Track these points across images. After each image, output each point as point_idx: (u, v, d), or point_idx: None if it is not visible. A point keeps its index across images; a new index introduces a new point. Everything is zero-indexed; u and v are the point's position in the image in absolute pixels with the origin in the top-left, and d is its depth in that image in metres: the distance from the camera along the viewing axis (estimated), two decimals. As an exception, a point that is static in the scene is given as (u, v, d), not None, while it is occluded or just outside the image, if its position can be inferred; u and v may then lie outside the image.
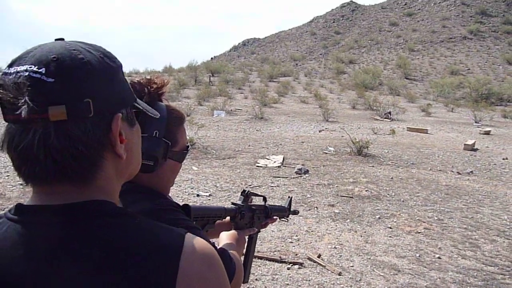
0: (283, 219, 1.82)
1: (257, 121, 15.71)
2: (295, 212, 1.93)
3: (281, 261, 4.09)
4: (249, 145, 10.49)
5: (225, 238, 1.31)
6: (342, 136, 12.07)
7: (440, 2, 72.35)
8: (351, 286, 3.72)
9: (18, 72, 0.59)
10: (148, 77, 1.06)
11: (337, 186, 6.94)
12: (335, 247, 4.51)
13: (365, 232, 5.00)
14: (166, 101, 1.09)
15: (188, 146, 1.16)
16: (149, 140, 0.98)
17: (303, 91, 29.73)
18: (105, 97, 0.63)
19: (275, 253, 4.28)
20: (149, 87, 1.03)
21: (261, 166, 8.20)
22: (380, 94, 28.09)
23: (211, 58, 77.55)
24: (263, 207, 1.57)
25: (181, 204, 1.11)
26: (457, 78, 35.63)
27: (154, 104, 1.01)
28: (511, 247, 4.74)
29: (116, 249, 0.60)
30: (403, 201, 6.31)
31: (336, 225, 5.18)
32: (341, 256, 4.30)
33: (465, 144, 11.46)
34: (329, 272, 3.93)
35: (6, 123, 0.61)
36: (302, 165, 8.20)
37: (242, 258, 1.41)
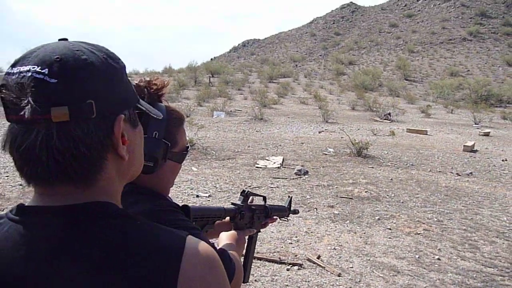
0: (283, 219, 1.82)
1: (256, 122, 15.71)
2: (295, 212, 1.91)
3: (280, 262, 4.09)
4: (249, 146, 10.49)
5: (224, 238, 1.31)
6: (342, 137, 12.07)
7: (440, 4, 72.47)
8: (350, 287, 3.72)
9: (21, 72, 0.59)
10: (148, 78, 1.06)
11: (336, 187, 6.94)
12: (334, 248, 4.50)
13: (364, 233, 5.00)
14: (166, 102, 1.09)
15: (188, 147, 1.16)
16: (149, 141, 0.98)
17: (303, 92, 29.75)
18: (108, 98, 0.63)
19: (275, 254, 4.28)
20: (148, 88, 1.03)
21: (260, 167, 8.20)
22: (379, 95, 28.12)
23: (211, 59, 77.60)
24: (263, 207, 1.56)
25: (180, 205, 1.11)
26: (457, 80, 35.68)
27: (153, 105, 1.01)
28: (510, 249, 4.74)
29: (116, 249, 0.60)
30: (402, 202, 6.31)
31: (336, 226, 5.18)
32: (340, 257, 4.30)
33: (464, 146, 11.46)
34: (329, 273, 3.93)
35: (9, 123, 0.61)
36: (302, 166, 8.20)
37: (242, 258, 1.41)
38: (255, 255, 1.89)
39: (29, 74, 0.58)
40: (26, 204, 0.64)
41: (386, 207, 6.01)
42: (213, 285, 0.64)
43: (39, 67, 0.58)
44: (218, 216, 1.31)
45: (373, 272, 3.99)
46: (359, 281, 3.80)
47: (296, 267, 4.01)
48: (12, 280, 0.59)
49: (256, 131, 13.61)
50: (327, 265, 4.07)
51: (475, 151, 11.30)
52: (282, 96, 26.42)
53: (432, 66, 46.67)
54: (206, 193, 6.28)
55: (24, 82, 0.57)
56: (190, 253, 0.63)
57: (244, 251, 1.47)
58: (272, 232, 4.83)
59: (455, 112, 23.33)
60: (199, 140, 9.88)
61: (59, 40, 0.66)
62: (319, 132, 13.88)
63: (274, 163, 8.52)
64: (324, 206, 5.96)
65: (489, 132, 15.36)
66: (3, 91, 0.59)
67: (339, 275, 3.88)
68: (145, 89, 1.03)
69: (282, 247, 4.47)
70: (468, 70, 42.85)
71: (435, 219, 5.58)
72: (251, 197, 1.52)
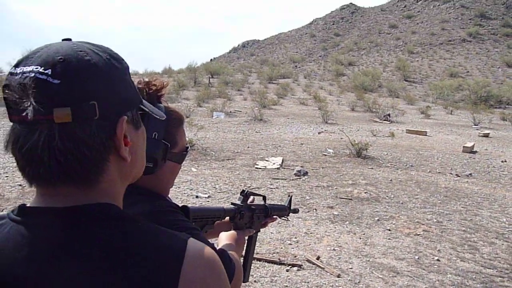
0: (283, 218, 1.81)
1: (256, 122, 15.71)
2: (295, 211, 1.90)
3: (280, 263, 4.08)
4: (248, 147, 10.49)
5: (224, 238, 1.31)
6: (341, 138, 12.08)
7: (439, 5, 72.57)
8: (350, 288, 3.72)
9: (24, 72, 0.58)
10: (147, 79, 1.05)
11: (336, 188, 6.94)
12: (334, 249, 4.50)
13: (364, 234, 4.99)
14: (165, 103, 1.08)
15: (188, 147, 1.16)
16: (148, 142, 0.98)
17: (303, 93, 29.76)
18: (111, 100, 0.62)
19: (274, 255, 4.28)
20: (148, 89, 1.03)
21: (260, 168, 8.20)
22: (379, 96, 28.12)
23: (211, 60, 77.64)
24: (262, 207, 1.55)
25: (180, 205, 1.11)
26: (456, 81, 35.73)
27: (153, 106, 1.01)
28: (509, 250, 4.74)
29: (117, 250, 0.59)
30: (402, 203, 6.31)
31: (335, 227, 5.18)
32: (340, 258, 4.29)
33: (464, 147, 11.47)
34: (328, 274, 3.93)
35: (11, 123, 0.61)
36: (301, 167, 8.20)
37: (242, 258, 1.41)
38: (254, 255, 1.88)
39: (32, 74, 0.58)
40: (28, 205, 0.64)
41: (386, 208, 6.01)
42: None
43: (42, 68, 0.58)
44: (218, 216, 1.31)
45: (372, 273, 3.99)
46: (359, 282, 3.80)
47: (295, 268, 4.01)
48: (14, 281, 0.59)
49: (256, 131, 13.61)
50: (326, 266, 4.07)
51: (474, 152, 11.31)
52: (282, 97, 26.42)
53: (431, 67, 46.73)
54: (205, 193, 6.28)
55: (26, 82, 0.57)
56: (192, 255, 0.62)
57: (244, 250, 1.47)
58: (271, 233, 4.82)
59: (454, 113, 23.35)
60: (199, 140, 9.88)
61: (63, 40, 0.65)
62: (319, 133, 13.89)
63: (274, 164, 8.52)
64: (324, 207, 5.96)
65: (488, 133, 15.38)
66: (6, 91, 0.59)
67: (338, 276, 3.88)
68: (144, 90, 1.03)
69: (281, 248, 4.47)
70: (468, 71, 42.90)
71: (435, 220, 5.58)
72: (252, 197, 1.51)
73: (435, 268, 4.16)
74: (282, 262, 4.10)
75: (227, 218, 1.38)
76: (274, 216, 1.65)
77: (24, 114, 0.57)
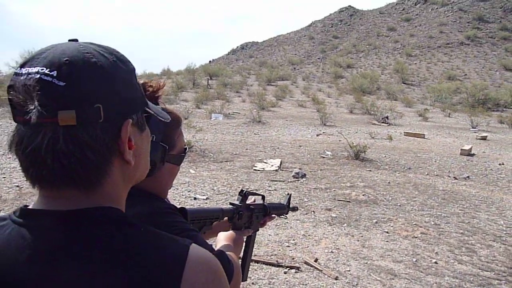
0: (282, 216, 1.80)
1: (254, 124, 15.72)
2: (294, 209, 1.88)
3: (278, 265, 4.08)
4: (247, 149, 10.48)
5: (222, 239, 1.30)
6: (340, 140, 12.09)
7: (437, 8, 72.84)
8: (347, 290, 3.72)
9: (29, 73, 0.58)
10: (142, 81, 1.05)
11: (334, 190, 6.94)
12: (332, 252, 4.50)
13: (362, 236, 5.00)
14: (163, 104, 1.08)
15: (186, 149, 1.16)
16: None
17: (301, 95, 29.82)
18: (116, 103, 0.62)
19: (272, 257, 4.27)
20: (144, 91, 1.03)
21: (258, 170, 8.20)
22: (377, 99, 28.19)
23: (210, 61, 77.67)
24: (261, 206, 1.54)
25: (178, 207, 1.11)
26: (454, 84, 35.84)
27: None
28: (507, 252, 4.74)
29: (117, 252, 0.59)
30: (400, 205, 6.31)
31: (333, 229, 5.18)
32: (338, 260, 4.29)
33: (461, 149, 11.49)
34: (326, 276, 3.93)
35: (16, 124, 0.61)
36: (300, 169, 8.20)
37: (240, 258, 1.40)
38: (252, 258, 1.88)
39: (37, 76, 0.57)
40: (30, 207, 0.64)
41: (384, 211, 6.01)
42: None
43: (48, 69, 0.58)
44: (216, 217, 1.31)
45: (370, 275, 3.99)
46: (356, 285, 3.80)
47: (293, 270, 4.00)
48: (15, 282, 0.58)
49: (254, 133, 13.61)
50: (324, 268, 4.07)
51: (472, 155, 11.34)
52: (280, 99, 26.46)
53: (429, 70, 46.86)
54: (203, 195, 6.27)
55: (31, 84, 0.57)
56: (194, 260, 0.62)
57: (243, 249, 1.46)
58: (269, 235, 4.82)
59: (452, 116, 23.40)
60: (197, 142, 9.87)
61: (69, 41, 0.65)
62: (317, 135, 13.90)
63: (272, 166, 8.52)
64: (322, 209, 5.96)
65: (486, 136, 15.41)
66: (11, 92, 0.59)
67: (336, 278, 3.88)
68: None
69: (279, 250, 4.46)
70: (466, 74, 43.05)
71: (432, 223, 5.59)
72: (253, 198, 1.51)
73: (432, 271, 4.16)
74: (280, 264, 4.09)
75: (226, 218, 1.38)
76: (273, 215, 1.65)
77: (28, 117, 0.57)
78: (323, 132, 14.55)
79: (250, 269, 1.63)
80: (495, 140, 15.18)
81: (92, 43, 0.65)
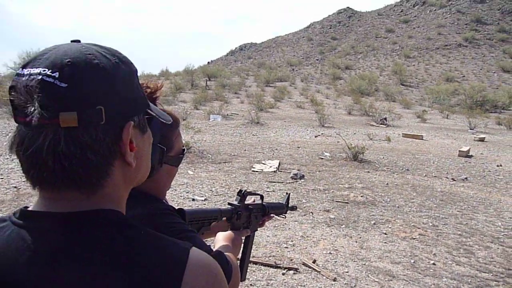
0: (281, 216, 1.79)
1: (253, 125, 15.72)
2: (293, 208, 1.88)
3: (276, 267, 4.08)
4: (245, 150, 10.48)
5: (221, 239, 1.30)
6: (338, 142, 12.10)
7: (435, 10, 73.04)
8: (345, 292, 3.72)
9: (31, 74, 0.58)
10: (140, 82, 1.05)
11: (332, 192, 6.95)
12: (330, 253, 4.50)
13: (360, 237, 5.00)
14: (161, 106, 1.08)
15: (184, 150, 1.16)
16: None
17: (299, 96, 29.84)
18: (118, 104, 0.62)
19: (270, 258, 4.27)
20: None
21: (256, 171, 8.20)
22: (376, 100, 28.24)
23: (208, 62, 77.63)
24: (260, 206, 1.54)
25: (176, 208, 1.11)
26: (452, 85, 35.95)
27: None
28: (505, 254, 4.75)
29: (118, 254, 0.59)
30: (398, 207, 6.32)
31: (331, 231, 5.18)
32: (336, 261, 4.29)
33: (459, 151, 11.52)
34: (324, 277, 3.93)
35: (17, 125, 0.61)
36: (298, 170, 8.20)
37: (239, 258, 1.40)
38: (250, 259, 1.88)
39: (39, 77, 0.57)
40: (30, 209, 0.63)
41: (382, 212, 6.02)
42: None
43: (50, 70, 0.57)
44: (214, 218, 1.30)
45: (368, 276, 3.99)
46: (355, 286, 3.80)
47: (291, 272, 4.00)
48: (14, 283, 0.58)
49: (253, 134, 13.62)
50: (322, 269, 4.07)
51: (470, 157, 11.36)
52: (279, 100, 26.48)
53: (428, 71, 46.96)
54: (202, 196, 6.27)
55: (33, 85, 0.56)
56: (194, 263, 0.62)
57: (242, 248, 1.46)
58: (267, 236, 4.82)
59: (450, 117, 23.46)
60: (196, 143, 9.87)
61: (72, 41, 0.64)
62: (316, 136, 13.91)
63: (270, 167, 8.52)
64: (320, 210, 5.96)
65: (484, 137, 15.45)
66: (12, 93, 0.59)
67: (334, 280, 3.88)
68: None
69: (277, 251, 4.46)
70: (464, 76, 43.15)
71: (431, 224, 5.60)
72: (253, 197, 1.51)
73: (430, 272, 4.17)
74: (278, 265, 4.09)
75: (224, 218, 1.37)
76: (271, 215, 1.64)
77: (29, 118, 0.57)
78: (322, 134, 14.56)
79: (248, 270, 1.62)
80: (493, 141, 15.21)
81: (94, 44, 0.65)
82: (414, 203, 6.55)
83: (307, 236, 4.94)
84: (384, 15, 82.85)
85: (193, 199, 6.10)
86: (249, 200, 1.50)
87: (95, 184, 0.62)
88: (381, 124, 18.62)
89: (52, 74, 0.57)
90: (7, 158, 7.31)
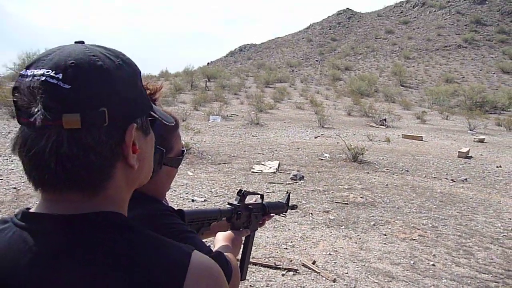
0: (281, 215, 1.79)
1: (252, 126, 15.72)
2: (294, 207, 1.87)
3: (275, 268, 4.07)
4: (245, 151, 10.48)
5: (221, 239, 1.30)
6: (338, 143, 12.11)
7: (435, 11, 73.11)
8: (345, 293, 3.71)
9: (34, 75, 0.58)
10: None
11: (332, 193, 6.95)
12: (329, 254, 4.50)
13: (359, 238, 5.00)
14: (160, 107, 1.08)
15: (184, 151, 1.16)
16: None
17: (299, 97, 29.84)
18: (121, 107, 0.61)
19: (270, 259, 4.27)
20: None
21: (256, 172, 8.20)
22: (375, 101, 28.25)
23: (208, 63, 77.68)
24: (260, 205, 1.54)
25: (175, 209, 1.11)
26: (452, 86, 35.98)
27: None
28: (504, 255, 4.75)
29: (120, 256, 0.59)
30: (398, 208, 6.32)
31: (331, 232, 5.18)
32: (335, 262, 4.29)
33: (459, 152, 11.52)
34: (324, 278, 3.93)
35: (20, 126, 0.61)
36: (298, 171, 8.21)
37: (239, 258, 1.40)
38: (250, 260, 1.87)
39: (43, 78, 0.57)
40: (32, 210, 0.63)
41: (381, 213, 6.02)
42: None
43: (54, 72, 0.57)
44: (214, 218, 1.30)
45: (368, 277, 3.99)
46: (354, 287, 3.80)
47: (291, 273, 4.00)
48: (15, 285, 0.58)
49: (252, 135, 13.62)
50: (322, 270, 4.07)
51: (469, 158, 11.36)
52: (279, 101, 26.49)
53: (427, 72, 46.99)
54: (201, 197, 6.27)
55: (36, 86, 0.56)
56: (195, 267, 0.62)
57: (242, 247, 1.46)
58: (267, 237, 4.82)
59: (450, 118, 23.47)
60: (195, 144, 9.86)
61: (75, 42, 0.64)
62: (315, 137, 13.91)
63: (270, 168, 8.52)
64: (320, 211, 5.96)
65: (483, 138, 15.45)
66: (16, 94, 0.58)
67: (334, 281, 3.88)
68: None
69: (277, 252, 4.46)
70: (463, 77, 43.19)
71: (430, 225, 5.60)
72: (254, 198, 1.51)
73: (430, 273, 4.16)
74: (278, 266, 4.09)
75: (224, 218, 1.37)
76: (271, 214, 1.64)
77: (32, 119, 0.56)
78: (321, 134, 14.56)
79: (247, 271, 1.62)
80: (492, 142, 15.22)
81: (98, 45, 0.64)
82: (413, 204, 6.55)
83: (306, 237, 4.93)
84: (383, 16, 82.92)
85: (193, 200, 6.10)
86: (251, 199, 1.50)
87: (97, 186, 0.62)
88: (380, 125, 18.63)
89: (56, 76, 0.57)
90: (7, 159, 7.31)
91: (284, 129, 15.54)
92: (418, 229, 5.41)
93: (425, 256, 4.58)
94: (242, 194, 1.42)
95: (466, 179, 8.63)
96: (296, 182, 7.52)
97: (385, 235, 5.15)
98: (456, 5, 71.07)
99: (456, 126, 20.07)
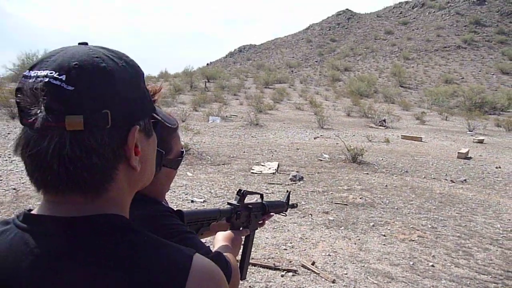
0: (281, 214, 1.78)
1: (252, 127, 15.72)
2: (294, 206, 1.87)
3: (275, 268, 4.07)
4: (244, 152, 10.48)
5: (221, 239, 1.30)
6: (337, 143, 12.11)
7: (434, 12, 73.17)
8: (344, 293, 3.71)
9: (38, 77, 0.57)
10: None
11: (331, 193, 6.95)
12: (329, 255, 4.50)
13: (359, 239, 5.00)
14: (159, 108, 1.08)
15: (183, 152, 1.16)
16: None
17: (299, 98, 29.85)
18: (124, 108, 0.61)
19: (269, 260, 4.27)
20: None
21: (255, 173, 8.20)
22: (375, 102, 28.27)
23: (207, 64, 77.68)
24: (259, 205, 1.54)
25: (175, 210, 1.11)
26: (451, 87, 35.99)
27: None
28: (504, 256, 4.76)
29: (122, 258, 0.59)
30: (397, 209, 6.32)
31: (330, 233, 5.18)
32: (335, 263, 4.29)
33: (458, 153, 11.52)
34: (323, 279, 3.93)
35: (23, 127, 0.60)
36: (297, 172, 8.21)
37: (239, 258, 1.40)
38: (249, 260, 1.88)
39: (46, 79, 0.57)
40: (34, 212, 0.63)
41: (381, 214, 6.02)
42: None
43: (57, 73, 0.57)
44: (214, 218, 1.30)
45: (367, 278, 3.99)
46: (354, 288, 3.80)
47: (290, 273, 4.00)
48: (16, 286, 0.58)
49: (252, 136, 13.61)
50: (321, 271, 4.07)
51: (469, 158, 11.37)
52: (278, 101, 26.49)
53: (427, 73, 47.03)
54: (201, 198, 6.27)
55: (40, 87, 0.56)
56: (197, 270, 0.62)
57: (242, 247, 1.46)
58: (266, 238, 4.82)
59: (449, 119, 23.48)
60: (195, 145, 9.86)
61: (79, 44, 0.64)
62: (315, 138, 13.91)
63: (269, 168, 8.52)
64: (319, 212, 5.96)
65: (483, 139, 15.46)
66: (18, 95, 0.58)
67: (333, 282, 3.88)
68: None
69: (276, 253, 4.46)
70: (463, 78, 43.23)
71: (429, 226, 5.60)
72: (255, 198, 1.51)
73: (429, 274, 4.17)
74: (277, 267, 4.09)
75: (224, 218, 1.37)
76: (271, 213, 1.64)
77: (35, 119, 0.56)
78: (321, 135, 14.57)
79: (247, 272, 1.62)
80: (492, 143, 15.23)
81: (102, 47, 0.64)
82: (413, 205, 6.55)
83: (306, 238, 4.93)
84: (383, 17, 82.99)
85: (192, 201, 6.10)
86: (251, 199, 1.50)
87: (99, 188, 0.62)
88: (380, 126, 18.63)
89: (59, 77, 0.57)
90: (6, 160, 7.31)
91: (283, 130, 15.55)
92: (418, 230, 5.41)
93: (424, 257, 4.59)
94: (241, 194, 1.42)
95: (465, 180, 8.64)
96: (296, 183, 7.52)
97: (384, 236, 5.16)
98: (456, 6, 71.15)
99: (456, 127, 20.09)
